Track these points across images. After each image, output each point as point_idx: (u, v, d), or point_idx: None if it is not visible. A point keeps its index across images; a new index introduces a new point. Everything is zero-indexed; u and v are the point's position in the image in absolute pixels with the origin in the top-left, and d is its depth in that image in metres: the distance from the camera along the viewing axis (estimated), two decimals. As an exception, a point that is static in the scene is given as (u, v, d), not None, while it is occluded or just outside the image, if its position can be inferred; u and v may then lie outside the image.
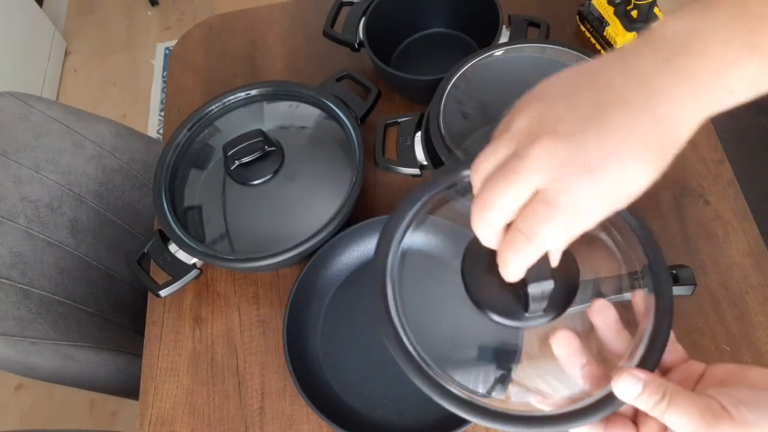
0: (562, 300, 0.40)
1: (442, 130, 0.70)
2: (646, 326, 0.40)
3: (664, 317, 0.40)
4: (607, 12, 0.84)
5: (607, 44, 0.85)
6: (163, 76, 2.09)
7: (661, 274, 0.42)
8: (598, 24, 0.86)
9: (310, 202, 0.75)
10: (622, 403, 0.37)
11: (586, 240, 0.37)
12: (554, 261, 0.38)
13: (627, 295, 0.48)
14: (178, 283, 0.72)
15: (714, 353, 0.66)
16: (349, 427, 0.62)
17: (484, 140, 0.68)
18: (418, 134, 0.74)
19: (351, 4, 0.89)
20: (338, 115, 0.78)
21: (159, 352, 0.75)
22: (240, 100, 0.82)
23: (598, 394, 0.38)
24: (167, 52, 2.15)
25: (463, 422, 0.61)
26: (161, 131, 1.95)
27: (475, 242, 0.39)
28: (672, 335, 0.40)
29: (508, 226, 0.36)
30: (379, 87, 0.81)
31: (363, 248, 0.75)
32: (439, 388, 0.40)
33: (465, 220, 0.38)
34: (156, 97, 2.05)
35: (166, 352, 0.75)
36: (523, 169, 0.34)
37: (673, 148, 0.36)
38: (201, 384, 0.73)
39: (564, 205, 0.34)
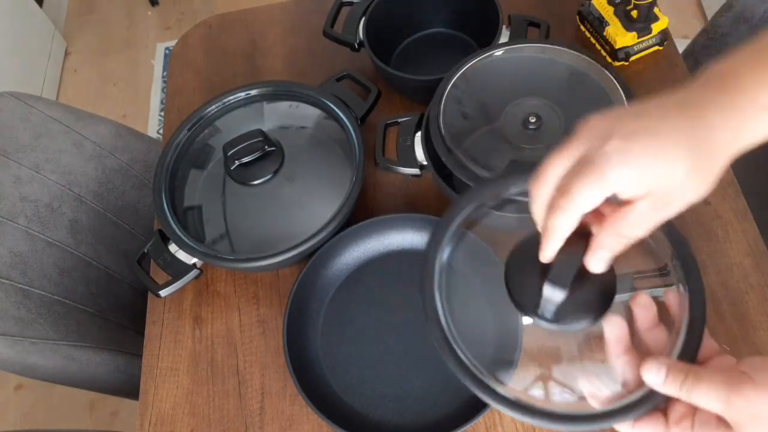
0: (599, 307, 0.42)
1: (442, 130, 0.70)
2: (682, 321, 0.42)
3: (698, 312, 0.42)
4: (607, 12, 0.84)
5: (607, 44, 0.85)
6: (163, 76, 2.09)
7: (692, 270, 0.43)
8: (598, 24, 0.86)
9: (310, 202, 0.75)
10: (660, 400, 0.39)
11: None
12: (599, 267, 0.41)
13: (658, 291, 0.52)
14: (178, 283, 0.72)
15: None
16: (349, 427, 0.62)
17: (484, 140, 0.69)
18: (418, 134, 0.74)
19: (351, 4, 0.89)
20: (338, 115, 0.78)
21: (159, 352, 0.75)
22: (240, 100, 0.82)
23: (637, 393, 0.40)
24: (167, 52, 2.15)
25: (463, 422, 0.61)
26: (161, 131, 1.95)
27: (517, 250, 0.44)
28: (705, 330, 0.42)
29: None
30: (379, 87, 0.81)
31: (363, 248, 0.75)
32: (487, 388, 0.43)
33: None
34: (156, 97, 2.05)
35: (166, 352, 0.75)
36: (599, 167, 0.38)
37: (709, 154, 0.39)
38: (201, 384, 0.73)
39: (595, 163, 0.38)
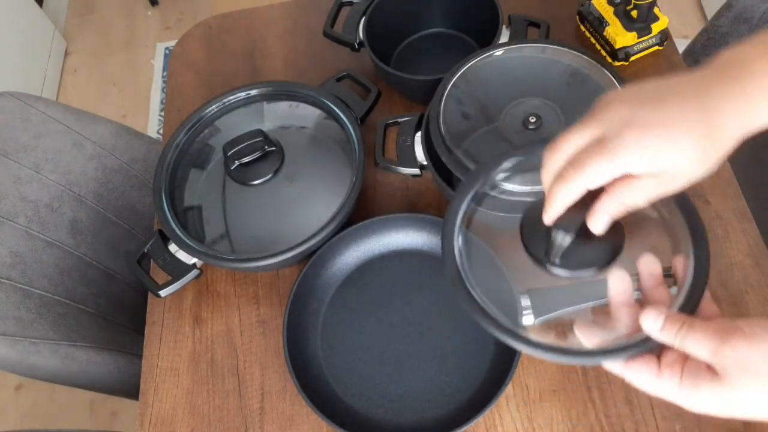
0: (607, 256, 0.47)
1: (442, 130, 0.70)
2: (686, 278, 0.46)
3: (702, 272, 0.46)
4: (607, 12, 0.84)
5: (607, 44, 0.85)
6: (163, 76, 2.09)
7: (700, 235, 0.48)
8: (598, 24, 0.86)
9: (310, 202, 0.75)
10: (653, 346, 0.42)
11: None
12: (600, 226, 0.44)
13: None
14: (178, 283, 0.73)
15: (714, 353, 0.66)
16: (349, 427, 0.62)
17: (484, 140, 0.70)
18: (418, 134, 0.74)
19: (351, 4, 0.89)
20: (338, 115, 0.78)
21: (159, 352, 0.75)
22: (240, 100, 0.82)
23: (632, 338, 0.43)
24: (167, 52, 2.15)
25: (463, 422, 0.61)
26: (161, 131, 1.95)
27: (530, 211, 0.49)
28: (708, 294, 0.45)
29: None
30: (379, 87, 0.81)
31: (363, 248, 0.75)
32: (500, 326, 0.48)
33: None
34: (156, 97, 2.05)
35: (166, 352, 0.75)
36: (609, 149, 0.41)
37: (718, 140, 0.41)
38: (201, 384, 0.73)
39: (611, 147, 0.41)
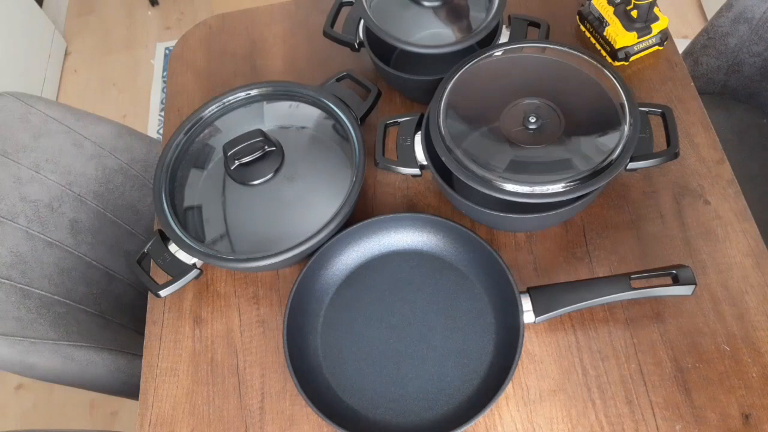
0: None
1: (442, 130, 0.70)
2: None
3: None
4: (607, 12, 0.84)
5: (607, 44, 0.85)
6: (163, 76, 2.09)
7: None
8: (598, 24, 0.86)
9: (310, 202, 0.75)
10: None
11: None
12: None
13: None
14: (178, 283, 0.73)
15: (714, 353, 0.66)
16: (349, 427, 0.62)
17: (484, 140, 0.71)
18: (418, 134, 0.74)
19: (351, 4, 0.89)
20: (338, 115, 0.78)
21: (159, 352, 0.75)
22: (240, 100, 0.82)
23: None
24: (167, 52, 2.15)
25: (463, 422, 0.61)
26: (161, 131, 1.95)
27: None
28: None
29: None
30: (379, 87, 0.81)
31: (363, 248, 0.75)
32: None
33: None
34: (156, 97, 2.05)
35: (166, 352, 0.75)
36: None
37: None
38: (201, 384, 0.73)
39: None
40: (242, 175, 0.75)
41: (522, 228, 0.76)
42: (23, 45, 1.92)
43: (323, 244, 0.71)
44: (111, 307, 0.95)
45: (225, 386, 0.72)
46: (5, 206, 0.85)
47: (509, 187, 0.65)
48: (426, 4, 0.83)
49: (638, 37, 0.83)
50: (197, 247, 0.72)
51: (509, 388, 0.67)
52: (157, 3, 2.28)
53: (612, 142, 0.66)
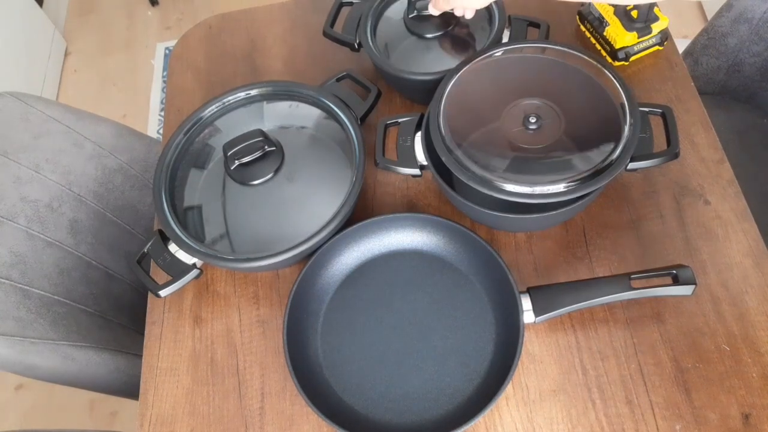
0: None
1: (442, 130, 0.70)
2: None
3: None
4: (607, 12, 0.84)
5: (607, 44, 0.85)
6: (163, 76, 2.09)
7: None
8: (598, 24, 0.86)
9: (310, 202, 0.75)
10: None
11: None
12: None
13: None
14: (178, 283, 0.73)
15: (714, 353, 0.66)
16: (349, 427, 0.62)
17: (484, 140, 0.71)
18: (418, 134, 0.74)
19: (351, 4, 0.89)
20: (338, 115, 0.78)
21: (159, 352, 0.75)
22: (240, 100, 0.82)
23: None
24: (167, 52, 2.15)
25: (463, 422, 0.61)
26: (161, 131, 1.95)
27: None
28: None
29: None
30: (379, 87, 0.81)
31: (363, 248, 0.75)
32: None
33: None
34: (156, 97, 2.05)
35: (166, 352, 0.75)
36: None
37: None
38: (201, 384, 0.73)
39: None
40: (242, 175, 0.75)
41: (522, 228, 0.76)
42: (23, 45, 1.92)
43: (323, 244, 0.71)
44: (111, 307, 0.95)
45: (225, 386, 0.72)
46: (5, 206, 0.85)
47: (509, 187, 0.65)
48: (428, 36, 0.84)
49: (638, 37, 0.83)
50: (197, 247, 0.72)
51: (509, 388, 0.67)
52: (157, 3, 2.28)
53: (612, 142, 0.66)
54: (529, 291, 0.67)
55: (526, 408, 0.66)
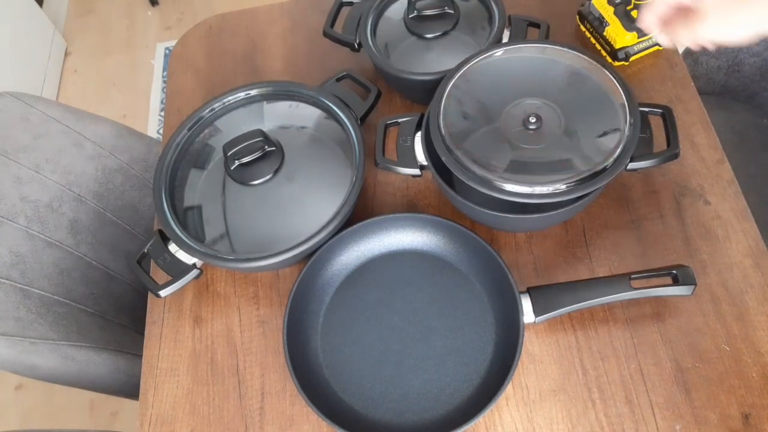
0: None
1: (442, 130, 0.70)
2: None
3: None
4: (607, 12, 0.84)
5: (607, 44, 0.85)
6: (163, 76, 2.09)
7: None
8: (598, 24, 0.86)
9: (310, 202, 0.75)
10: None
11: None
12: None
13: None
14: (178, 283, 0.73)
15: (714, 353, 0.66)
16: (349, 427, 0.62)
17: (484, 140, 0.71)
18: (418, 134, 0.74)
19: (351, 4, 0.89)
20: (338, 115, 0.78)
21: (159, 352, 0.75)
22: (240, 100, 0.82)
23: None
24: (167, 52, 2.15)
25: (463, 422, 0.61)
26: (161, 131, 1.95)
27: None
28: None
29: None
30: (379, 87, 0.81)
31: (363, 248, 0.75)
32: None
33: None
34: (156, 97, 2.05)
35: (166, 352, 0.75)
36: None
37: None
38: (201, 384, 0.73)
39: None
40: (242, 175, 0.75)
41: (522, 228, 0.76)
42: (23, 45, 1.92)
43: (323, 244, 0.71)
44: (111, 307, 0.95)
45: (225, 386, 0.72)
46: (5, 206, 0.85)
47: (509, 187, 0.65)
48: (428, 36, 0.83)
49: (638, 37, 0.83)
50: (197, 247, 0.72)
51: (509, 388, 0.67)
52: (157, 3, 2.28)
53: (612, 142, 0.66)
54: (529, 291, 0.67)
55: (526, 408, 0.66)
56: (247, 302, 0.77)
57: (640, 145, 0.67)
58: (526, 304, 0.66)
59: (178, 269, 0.73)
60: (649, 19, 0.63)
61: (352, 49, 0.86)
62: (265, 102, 0.83)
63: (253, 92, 0.82)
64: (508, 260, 0.70)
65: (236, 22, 1.03)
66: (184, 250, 0.72)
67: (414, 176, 0.74)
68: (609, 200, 0.76)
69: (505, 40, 0.82)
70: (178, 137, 0.80)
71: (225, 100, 0.82)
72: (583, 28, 0.89)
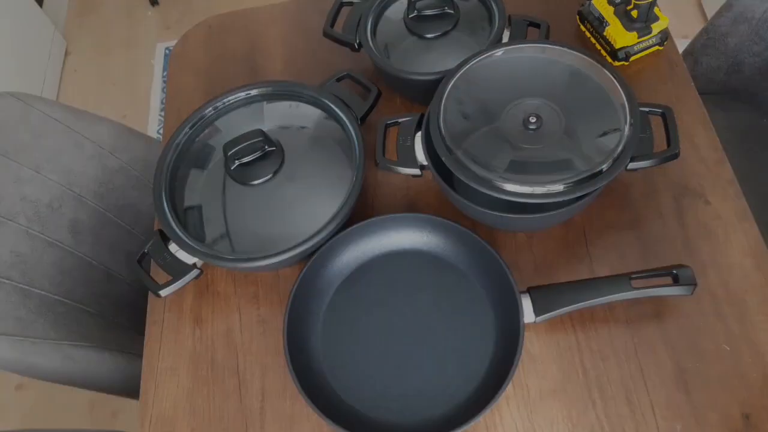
0: None
1: (442, 130, 0.70)
2: None
3: None
4: (607, 12, 0.84)
5: (607, 44, 0.85)
6: (163, 76, 2.09)
7: None
8: (598, 24, 0.86)
9: (310, 202, 0.75)
10: None
11: None
12: None
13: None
14: (178, 283, 0.73)
15: (714, 353, 0.66)
16: (349, 427, 0.62)
17: (484, 140, 0.71)
18: (418, 134, 0.74)
19: (351, 4, 0.89)
20: (338, 115, 0.78)
21: (159, 352, 0.75)
22: (240, 100, 0.82)
23: None
24: (167, 52, 2.15)
25: (463, 422, 0.61)
26: (161, 131, 1.95)
27: None
28: None
29: None
30: (379, 87, 0.81)
31: (363, 248, 0.75)
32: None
33: None
34: (156, 97, 2.05)
35: (166, 352, 0.75)
36: None
37: None
38: (201, 384, 0.73)
39: None
40: (242, 175, 0.75)
41: (522, 228, 0.76)
42: (23, 45, 1.92)
43: (323, 244, 0.71)
44: (111, 307, 0.95)
45: (225, 386, 0.72)
46: (5, 206, 0.85)
47: (509, 187, 0.65)
48: (428, 36, 0.84)
49: (638, 37, 0.83)
50: (197, 247, 0.72)
51: (509, 388, 0.67)
52: (157, 3, 2.28)
53: (612, 142, 0.66)
54: (529, 291, 0.67)
55: (526, 408, 0.66)
56: (248, 302, 0.77)
57: (640, 145, 0.67)
58: (527, 303, 0.66)
59: (178, 269, 0.73)
60: None
61: (352, 49, 0.86)
62: (265, 102, 0.83)
63: (253, 92, 0.82)
64: (508, 260, 0.70)
65: (236, 22, 1.03)
66: (185, 250, 0.72)
67: (414, 176, 0.74)
68: (609, 200, 0.76)
69: (505, 40, 0.82)
70: (178, 137, 0.80)
71: (225, 100, 0.82)
72: (583, 28, 0.89)
